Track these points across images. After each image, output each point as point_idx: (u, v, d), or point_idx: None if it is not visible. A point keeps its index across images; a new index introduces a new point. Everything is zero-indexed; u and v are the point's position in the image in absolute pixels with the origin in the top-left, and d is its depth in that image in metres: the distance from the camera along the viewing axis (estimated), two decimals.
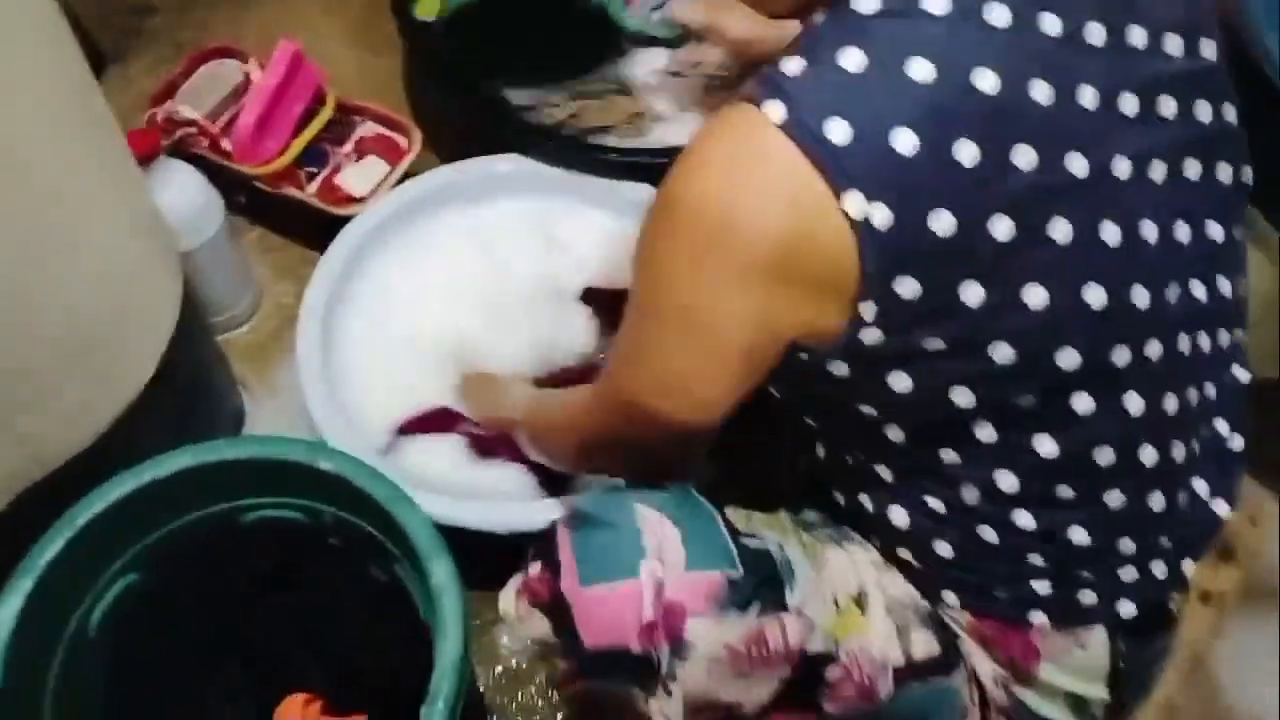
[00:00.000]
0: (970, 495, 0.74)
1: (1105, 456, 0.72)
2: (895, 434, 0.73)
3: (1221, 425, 0.80)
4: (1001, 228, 0.62)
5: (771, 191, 0.61)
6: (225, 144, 1.29)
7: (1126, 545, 0.76)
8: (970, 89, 0.60)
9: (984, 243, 0.62)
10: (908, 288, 0.63)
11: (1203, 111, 0.70)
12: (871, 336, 0.65)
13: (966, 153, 0.60)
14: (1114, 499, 0.74)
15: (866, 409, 0.73)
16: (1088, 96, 0.64)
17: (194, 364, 1.06)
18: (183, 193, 1.15)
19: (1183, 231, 0.70)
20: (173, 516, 0.84)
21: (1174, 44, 0.68)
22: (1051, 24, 0.63)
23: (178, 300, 0.99)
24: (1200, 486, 0.79)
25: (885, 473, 0.77)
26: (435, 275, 1.20)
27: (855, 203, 0.60)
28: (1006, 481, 0.72)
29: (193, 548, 0.85)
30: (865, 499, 0.81)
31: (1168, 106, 0.68)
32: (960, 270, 0.63)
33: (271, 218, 1.40)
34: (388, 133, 1.35)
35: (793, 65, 0.63)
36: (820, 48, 0.62)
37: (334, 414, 1.05)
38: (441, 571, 0.75)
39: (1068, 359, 0.67)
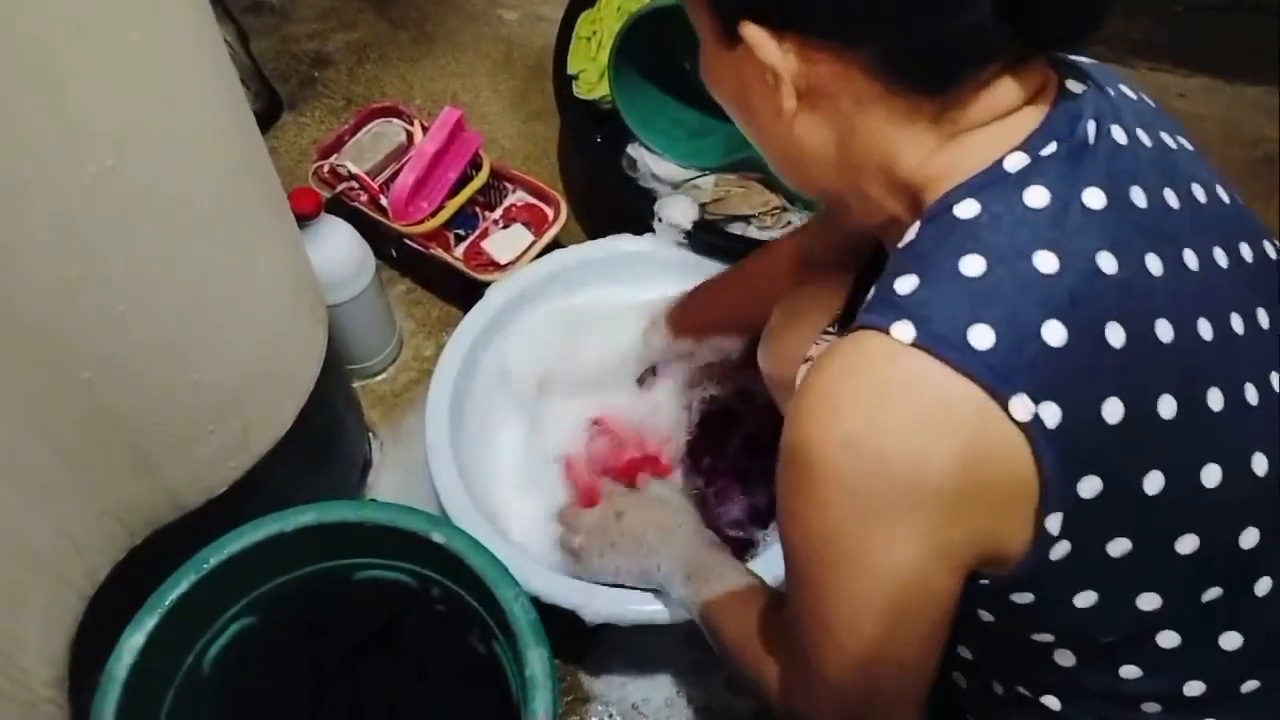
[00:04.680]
0: (1151, 710, 0.70)
1: None
2: (1066, 659, 0.69)
3: None
4: (1166, 406, 0.60)
5: (925, 419, 0.57)
6: (383, 200, 1.35)
7: None
8: (1097, 272, 0.59)
9: (1154, 425, 0.60)
10: (1090, 487, 0.59)
11: (1270, 250, 0.70)
12: (1059, 551, 0.61)
13: (1115, 335, 0.59)
14: None
15: (1041, 636, 0.68)
16: (1191, 259, 0.63)
17: (330, 413, 1.11)
18: (339, 251, 1.20)
19: None
20: (291, 567, 0.88)
21: (1222, 193, 0.69)
22: (1139, 197, 0.63)
23: (322, 355, 1.03)
24: None
25: (1053, 702, 0.72)
26: (565, 349, 1.22)
27: (1022, 406, 0.56)
28: (1194, 688, 0.68)
29: (305, 598, 0.89)
30: None
31: (1246, 251, 0.68)
32: (1138, 458, 0.60)
33: (419, 273, 1.46)
34: (536, 202, 1.39)
35: (906, 283, 0.60)
36: (931, 259, 0.60)
37: (454, 478, 1.08)
38: (537, 663, 0.77)
39: (1249, 538, 0.64)
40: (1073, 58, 0.68)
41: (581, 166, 1.55)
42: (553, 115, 1.57)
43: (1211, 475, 0.62)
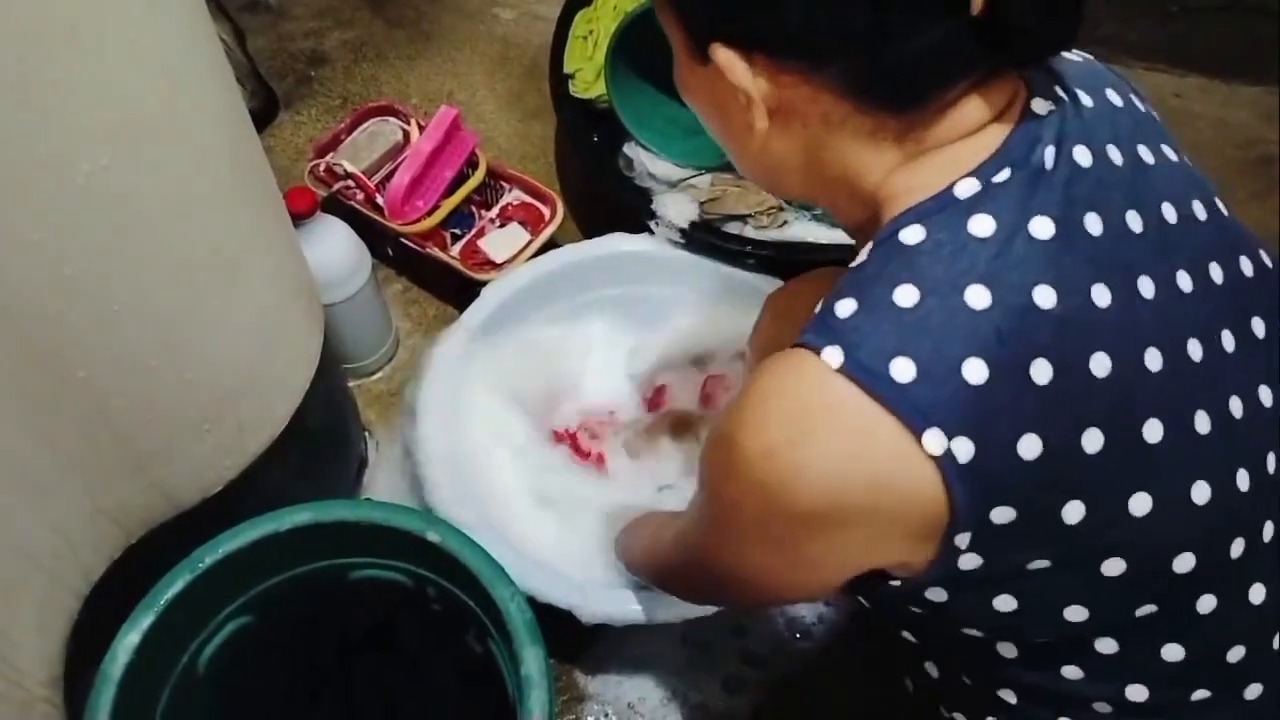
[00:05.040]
0: (1102, 710, 0.70)
1: (1236, 653, 0.68)
2: (1008, 651, 0.70)
3: None
4: (1092, 441, 0.60)
5: (842, 443, 0.58)
6: (379, 199, 1.35)
7: None
8: (1031, 307, 0.59)
9: (1076, 459, 0.60)
10: (1003, 515, 0.60)
11: (1246, 266, 0.69)
12: (969, 562, 0.62)
13: (1041, 373, 0.58)
14: (1253, 691, 0.70)
15: (970, 631, 0.69)
16: (1147, 287, 0.62)
17: (325, 413, 1.10)
18: (335, 250, 1.20)
19: (1266, 395, 0.67)
20: (287, 567, 0.87)
21: (1200, 209, 0.67)
22: (1094, 223, 0.62)
23: (317, 354, 1.03)
24: None
25: (1009, 695, 0.73)
26: (562, 348, 1.23)
27: (935, 440, 0.57)
28: (1137, 693, 0.69)
29: (301, 597, 0.89)
30: None
31: (1216, 272, 0.66)
32: (1057, 490, 0.60)
33: (416, 272, 1.46)
34: (533, 201, 1.39)
35: (845, 307, 0.61)
36: (871, 285, 0.61)
37: (446, 477, 1.07)
38: (533, 661, 0.77)
39: (1183, 563, 0.64)
40: (1058, 58, 0.66)
41: (578, 165, 1.56)
42: (549, 114, 1.57)
43: (1140, 504, 0.62)
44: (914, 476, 0.58)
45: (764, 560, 0.66)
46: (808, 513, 0.60)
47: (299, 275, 1.02)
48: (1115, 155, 0.65)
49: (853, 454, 0.58)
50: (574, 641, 1.14)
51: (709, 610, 0.98)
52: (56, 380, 0.76)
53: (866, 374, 0.58)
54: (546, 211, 1.37)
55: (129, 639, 0.79)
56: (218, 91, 0.82)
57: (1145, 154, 0.67)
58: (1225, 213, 0.70)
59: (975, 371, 0.57)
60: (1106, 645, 0.67)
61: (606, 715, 1.13)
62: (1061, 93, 0.65)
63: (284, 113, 1.66)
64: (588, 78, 1.39)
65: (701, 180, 1.34)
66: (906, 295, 0.59)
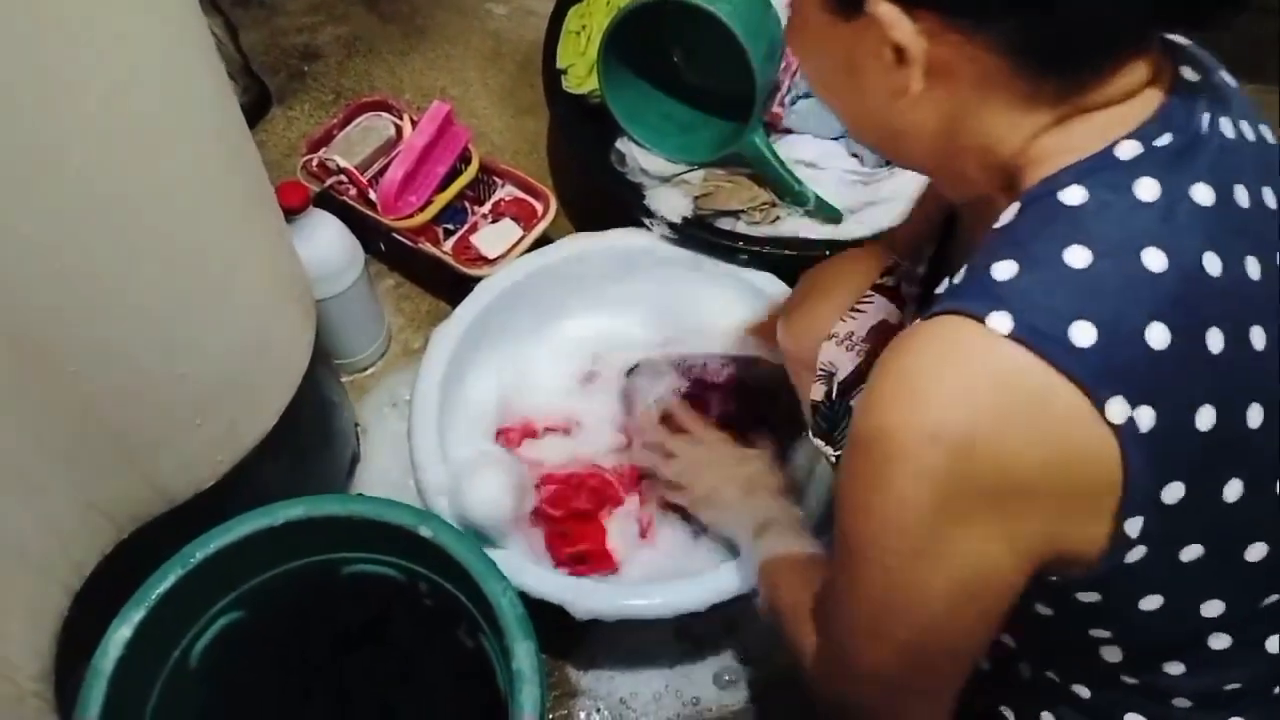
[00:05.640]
0: (1181, 705, 0.69)
1: None
2: (1113, 655, 0.68)
3: None
4: (1254, 415, 0.59)
5: (1017, 414, 0.55)
6: (372, 194, 1.34)
7: None
8: (1202, 274, 0.57)
9: (1241, 434, 0.58)
10: (1174, 493, 0.58)
11: None
12: (1135, 555, 0.59)
13: (1215, 341, 0.57)
14: None
15: (1098, 632, 0.67)
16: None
17: (317, 408, 1.10)
18: (327, 245, 1.20)
19: None
20: (279, 561, 0.88)
21: None
22: (1242, 196, 0.60)
23: (309, 349, 1.03)
24: None
25: (1082, 690, 0.72)
26: (555, 345, 1.23)
27: (1118, 408, 0.54)
28: (1232, 687, 0.68)
29: (293, 592, 0.89)
30: (1048, 717, 0.74)
31: None
32: (1222, 467, 0.59)
33: (408, 268, 1.46)
34: (525, 197, 1.39)
35: (1005, 269, 0.57)
36: (1035, 245, 0.57)
37: (439, 472, 1.07)
38: (524, 656, 0.77)
39: None
40: (1180, 41, 0.65)
41: (571, 161, 1.55)
42: (542, 110, 1.57)
43: None
44: (1093, 448, 0.55)
45: (937, 584, 0.60)
46: (980, 497, 0.56)
47: (291, 270, 1.01)
48: (1248, 131, 0.64)
49: (1028, 425, 0.55)
50: (566, 637, 1.14)
51: (701, 606, 0.98)
52: (47, 375, 0.75)
53: (1042, 339, 0.54)
54: (539, 207, 1.37)
55: (120, 634, 0.79)
56: (209, 86, 0.82)
57: (1267, 134, 0.66)
58: None
59: (1158, 336, 0.55)
60: (1220, 641, 0.66)
61: (599, 711, 1.13)
62: (1204, 66, 0.63)
63: (276, 108, 1.65)
64: (580, 73, 1.39)
65: (694, 176, 1.34)
66: (1078, 256, 0.56)
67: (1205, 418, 0.57)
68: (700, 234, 1.27)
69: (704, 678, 1.15)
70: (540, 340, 1.25)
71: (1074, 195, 0.58)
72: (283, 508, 0.85)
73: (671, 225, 1.27)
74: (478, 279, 1.25)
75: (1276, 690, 0.70)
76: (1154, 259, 0.56)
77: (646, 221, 1.28)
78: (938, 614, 0.61)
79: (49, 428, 0.79)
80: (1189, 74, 0.62)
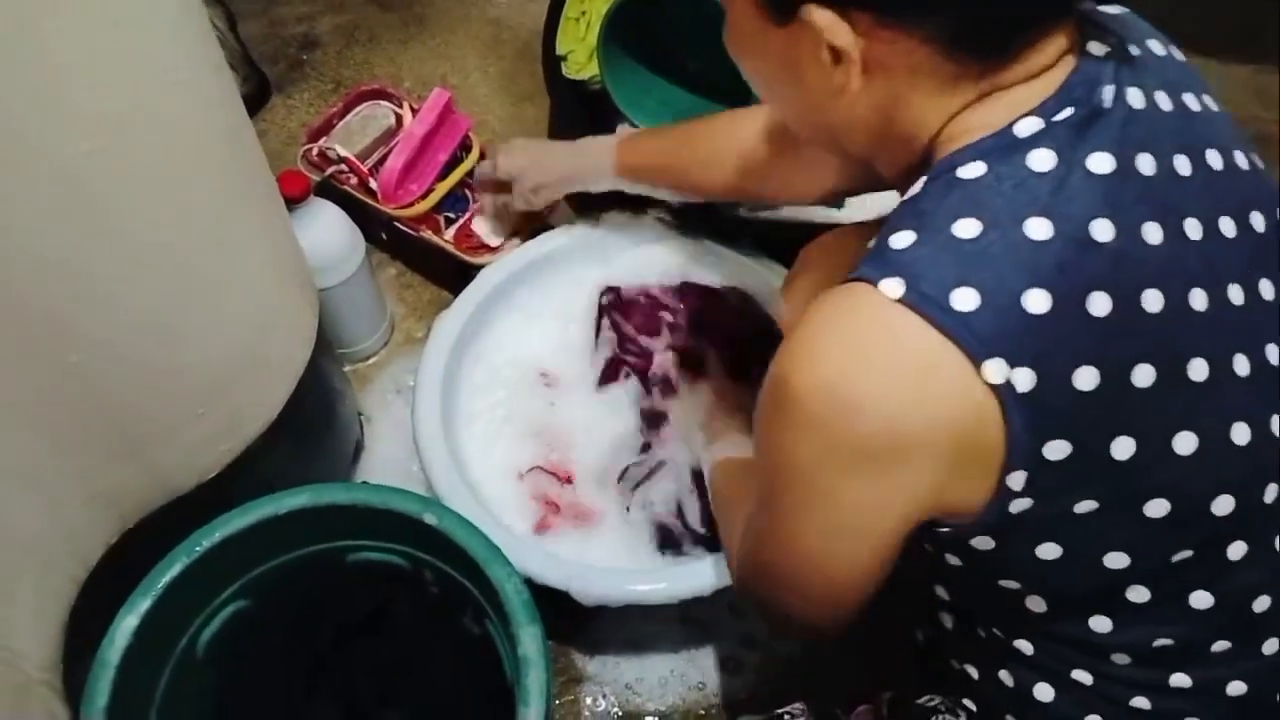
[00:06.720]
0: (1121, 661, 0.71)
1: (1261, 603, 0.69)
2: (1037, 605, 0.70)
3: None
4: (1143, 375, 0.61)
5: (902, 371, 0.59)
6: (372, 183, 1.34)
7: None
8: (1090, 241, 0.60)
9: (1128, 394, 0.61)
10: (1057, 450, 0.60)
11: None
12: (1020, 506, 0.63)
13: (1099, 305, 0.59)
14: (1271, 646, 0.71)
15: (1008, 582, 0.70)
16: (1194, 229, 0.64)
17: (321, 397, 1.11)
18: (328, 234, 1.20)
19: None
20: (284, 550, 0.88)
21: (1242, 159, 0.68)
22: (1147, 164, 0.63)
23: (312, 338, 1.03)
24: None
25: (1025, 646, 0.74)
26: (559, 331, 1.22)
27: (996, 370, 0.58)
28: (1162, 644, 0.70)
29: (299, 581, 0.89)
30: (1005, 675, 0.76)
31: (1258, 221, 0.67)
32: (1109, 425, 0.61)
33: (410, 256, 1.46)
34: None
35: (902, 239, 0.61)
36: (930, 217, 0.61)
37: (444, 457, 1.07)
38: (530, 642, 0.77)
39: (1223, 505, 0.65)
40: (1103, 9, 0.68)
41: None
42: (542, 96, 1.57)
43: (1185, 443, 0.63)
44: (973, 407, 0.59)
45: (819, 521, 0.66)
46: (867, 448, 0.60)
47: (293, 259, 1.01)
48: (1164, 100, 0.66)
49: (913, 384, 0.59)
50: (571, 622, 1.15)
51: (706, 590, 0.98)
52: (50, 365, 0.76)
53: (928, 303, 0.58)
54: None
55: (127, 623, 0.79)
56: (210, 75, 0.81)
57: (1191, 101, 0.68)
58: (1262, 166, 0.71)
59: (1037, 301, 0.58)
60: (1139, 594, 0.68)
61: (604, 696, 1.14)
62: (1112, 39, 0.66)
63: (276, 97, 1.65)
64: (580, 60, 1.38)
65: None
66: (968, 227, 0.60)
67: (1086, 378, 0.59)
68: (700, 218, 1.26)
69: (709, 662, 1.15)
70: (543, 326, 1.25)
71: (972, 170, 0.62)
72: (288, 496, 0.85)
73: (672, 210, 1.26)
74: (479, 267, 1.25)
75: (1214, 648, 0.70)
76: (1038, 228, 0.59)
77: (647, 208, 1.28)
78: (827, 546, 0.67)
79: (53, 419, 0.79)
80: (1096, 47, 0.64)
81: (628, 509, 1.10)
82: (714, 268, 1.26)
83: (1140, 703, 0.72)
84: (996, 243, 0.59)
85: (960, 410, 0.59)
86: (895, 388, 0.59)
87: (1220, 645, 0.70)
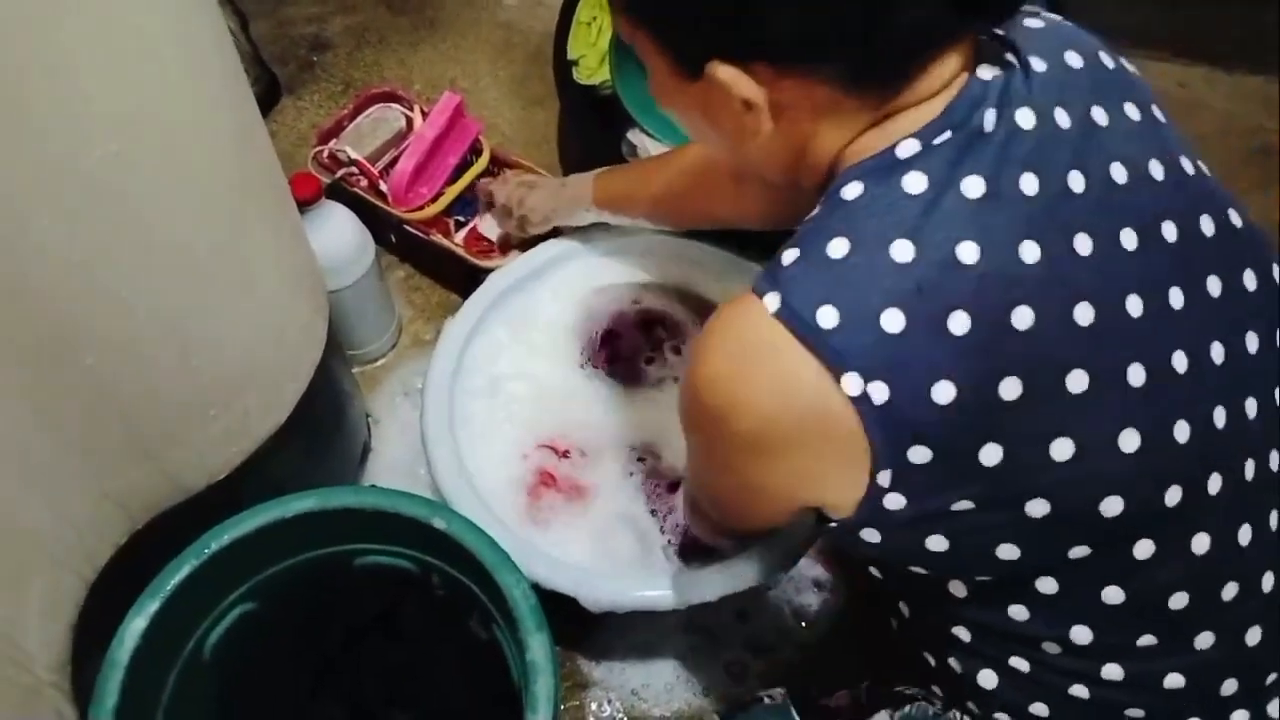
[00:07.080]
0: (1051, 650, 0.73)
1: (1179, 600, 0.71)
2: (959, 589, 0.74)
3: None
4: (1010, 389, 0.63)
5: (770, 378, 0.64)
6: (382, 186, 1.35)
7: (1230, 687, 0.74)
8: (953, 262, 0.62)
9: (993, 406, 0.63)
10: (920, 455, 0.64)
11: (1207, 225, 0.70)
12: (894, 502, 0.67)
13: (958, 324, 0.62)
14: (1203, 640, 0.72)
15: (915, 569, 0.74)
16: (1084, 244, 0.65)
17: (330, 399, 1.11)
18: (338, 236, 1.20)
19: (1218, 351, 0.69)
20: (292, 553, 0.88)
21: (1157, 169, 0.69)
22: (1030, 183, 0.64)
23: (323, 340, 1.03)
24: None
25: (962, 633, 0.78)
26: (567, 335, 1.22)
27: (853, 383, 0.62)
28: (1082, 635, 0.72)
29: (306, 584, 0.89)
30: (954, 662, 0.80)
31: (1169, 231, 0.68)
32: (974, 434, 0.64)
33: (419, 259, 1.46)
34: None
35: (788, 255, 0.66)
36: (811, 237, 0.66)
37: (450, 461, 1.07)
38: (538, 648, 0.77)
39: (1112, 507, 0.67)
40: (1030, 21, 0.71)
41: (581, 152, 1.55)
42: (553, 101, 1.57)
43: (1062, 449, 0.65)
44: (835, 415, 0.63)
45: (726, 482, 0.77)
46: (744, 440, 0.67)
47: (303, 261, 1.02)
48: (1062, 117, 0.67)
49: (781, 390, 0.64)
50: (578, 628, 1.14)
51: (712, 597, 0.98)
52: (63, 366, 0.76)
53: (796, 319, 0.63)
54: None
55: (135, 625, 0.79)
56: (224, 77, 0.82)
57: (1099, 115, 0.69)
58: (1192, 172, 0.72)
59: (892, 321, 0.62)
60: (1047, 585, 0.71)
61: (610, 702, 1.14)
62: (1010, 58, 0.68)
63: (286, 98, 1.65)
64: (591, 64, 1.39)
65: None
66: (838, 247, 0.64)
67: (943, 392, 0.62)
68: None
69: (715, 669, 1.15)
70: (551, 330, 1.25)
71: (852, 191, 0.66)
72: (296, 499, 0.85)
73: None
74: (489, 270, 1.25)
75: (1140, 643, 0.72)
76: (901, 250, 0.63)
77: None
78: (739, 497, 0.78)
79: (65, 419, 0.79)
80: (985, 72, 0.66)
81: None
82: (719, 274, 1.26)
83: (1079, 691, 0.74)
84: (861, 264, 0.63)
85: (823, 415, 0.63)
86: (765, 393, 0.64)
87: (1146, 640, 0.72)
